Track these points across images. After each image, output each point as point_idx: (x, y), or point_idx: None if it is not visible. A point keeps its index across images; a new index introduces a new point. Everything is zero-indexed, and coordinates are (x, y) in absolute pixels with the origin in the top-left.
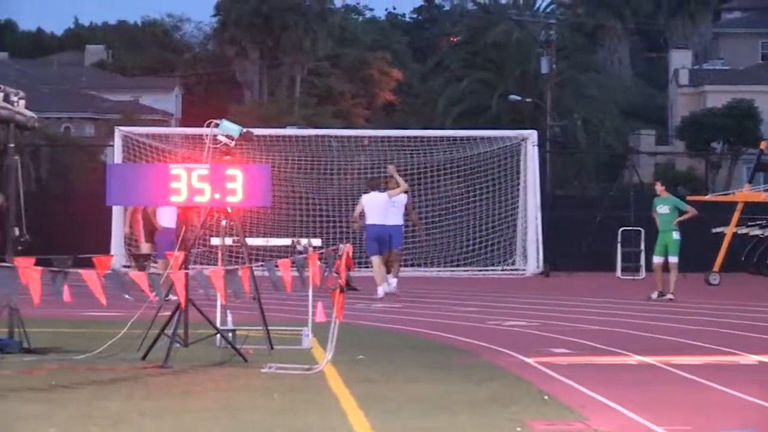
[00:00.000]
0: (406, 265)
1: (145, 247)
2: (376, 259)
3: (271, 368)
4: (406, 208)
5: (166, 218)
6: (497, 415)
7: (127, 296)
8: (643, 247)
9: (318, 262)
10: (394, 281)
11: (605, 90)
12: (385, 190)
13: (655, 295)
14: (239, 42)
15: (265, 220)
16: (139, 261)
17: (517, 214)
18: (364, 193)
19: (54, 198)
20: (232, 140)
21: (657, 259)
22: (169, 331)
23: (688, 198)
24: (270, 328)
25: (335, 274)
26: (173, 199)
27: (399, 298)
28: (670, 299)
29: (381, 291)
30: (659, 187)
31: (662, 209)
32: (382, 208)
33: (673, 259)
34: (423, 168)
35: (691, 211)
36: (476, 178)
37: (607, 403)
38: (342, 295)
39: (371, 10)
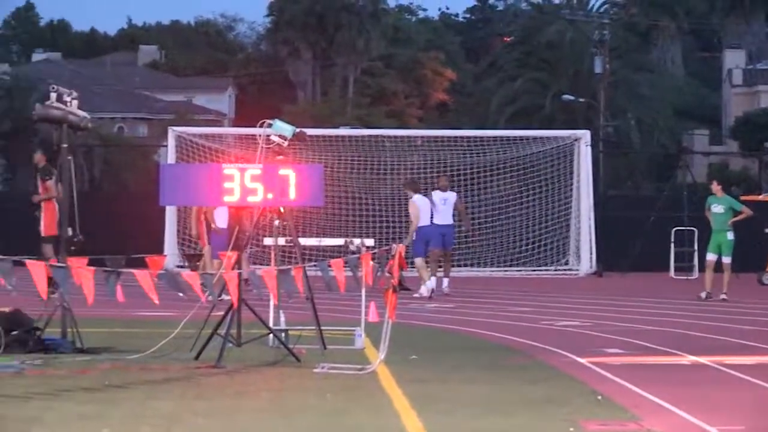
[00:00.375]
0: (459, 265)
1: (207, 249)
2: (420, 261)
3: (324, 368)
4: (456, 207)
5: (221, 219)
6: (551, 416)
7: (181, 294)
8: (696, 247)
9: (371, 262)
10: (446, 281)
11: (659, 90)
12: (425, 192)
13: (703, 295)
14: (292, 42)
15: (317, 220)
16: (193, 261)
17: (570, 214)
18: (411, 197)
19: (107, 198)
20: (285, 140)
21: (710, 257)
22: (222, 330)
23: (742, 198)
24: (323, 328)
25: (388, 274)
26: (226, 199)
27: (451, 297)
28: (724, 299)
29: (429, 287)
30: (716, 187)
31: (717, 209)
32: (428, 210)
33: (727, 260)
34: (476, 168)
35: (746, 212)
36: (529, 178)
37: (660, 404)
38: (395, 295)
39: (424, 10)
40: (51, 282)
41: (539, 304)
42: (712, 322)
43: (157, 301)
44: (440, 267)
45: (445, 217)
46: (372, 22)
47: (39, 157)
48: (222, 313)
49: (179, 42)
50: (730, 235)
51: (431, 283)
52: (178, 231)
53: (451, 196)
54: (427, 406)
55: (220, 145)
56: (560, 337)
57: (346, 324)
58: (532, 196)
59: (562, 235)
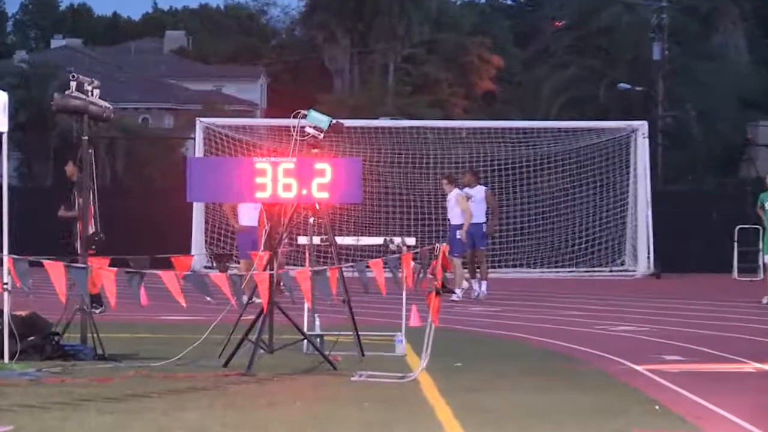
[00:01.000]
0: (506, 266)
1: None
2: (455, 261)
3: (362, 376)
4: (487, 202)
5: (246, 216)
6: (605, 426)
7: (208, 298)
8: (761, 246)
9: (412, 263)
10: (483, 285)
11: (721, 78)
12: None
13: (765, 301)
14: (328, 27)
15: (355, 217)
16: (222, 262)
17: (626, 211)
18: (460, 188)
19: (130, 194)
20: (321, 132)
21: (767, 259)
22: (252, 336)
23: None
24: (361, 333)
25: (431, 276)
26: (258, 195)
27: (498, 300)
28: None
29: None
30: None
31: None
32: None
33: None
34: (525, 162)
35: None
36: (582, 173)
37: (722, 413)
38: (438, 298)
39: None
40: (97, 299)
41: (592, 307)
42: None
43: (184, 305)
44: (477, 268)
45: (473, 214)
46: (414, 6)
47: (71, 170)
48: (253, 317)
49: (208, 27)
50: None
51: (464, 286)
52: (206, 229)
53: (479, 192)
54: (472, 416)
55: (251, 137)
56: (615, 343)
57: (385, 329)
58: (586, 191)
59: (617, 233)
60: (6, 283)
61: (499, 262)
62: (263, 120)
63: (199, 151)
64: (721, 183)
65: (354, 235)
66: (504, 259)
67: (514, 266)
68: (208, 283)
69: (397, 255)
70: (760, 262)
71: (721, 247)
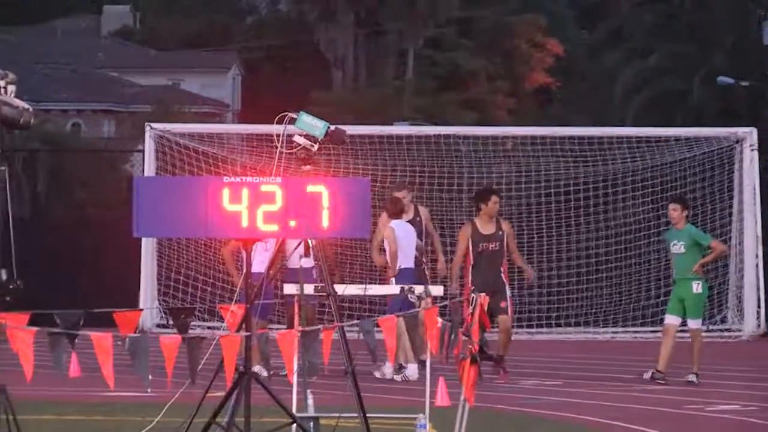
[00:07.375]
0: (565, 324)
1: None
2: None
3: None
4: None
5: (257, 260)
6: None
7: (145, 383)
8: None
9: (439, 320)
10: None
11: None
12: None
13: (647, 376)
14: (325, 1)
15: (362, 258)
16: (180, 319)
17: (728, 249)
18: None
19: (57, 226)
20: (315, 142)
21: (669, 319)
22: (222, 419)
23: None
24: (369, 415)
25: (465, 337)
26: (229, 228)
27: (557, 372)
28: (691, 381)
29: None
30: (674, 213)
31: (676, 247)
32: (412, 242)
33: (695, 324)
34: (592, 183)
35: (719, 247)
36: (668, 198)
37: None
38: (474, 368)
39: None
40: None
41: (682, 379)
42: None
43: (112, 386)
44: None
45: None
46: None
47: None
48: (223, 393)
49: (162, 1)
50: (697, 287)
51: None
52: (160, 275)
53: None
54: None
55: (220, 149)
56: (713, 427)
57: (403, 410)
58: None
59: (716, 279)
60: None
61: (557, 318)
62: (236, 126)
63: (149, 169)
64: None
65: (360, 282)
66: (563, 315)
67: (578, 324)
68: (146, 354)
69: (417, 309)
70: None
71: None
